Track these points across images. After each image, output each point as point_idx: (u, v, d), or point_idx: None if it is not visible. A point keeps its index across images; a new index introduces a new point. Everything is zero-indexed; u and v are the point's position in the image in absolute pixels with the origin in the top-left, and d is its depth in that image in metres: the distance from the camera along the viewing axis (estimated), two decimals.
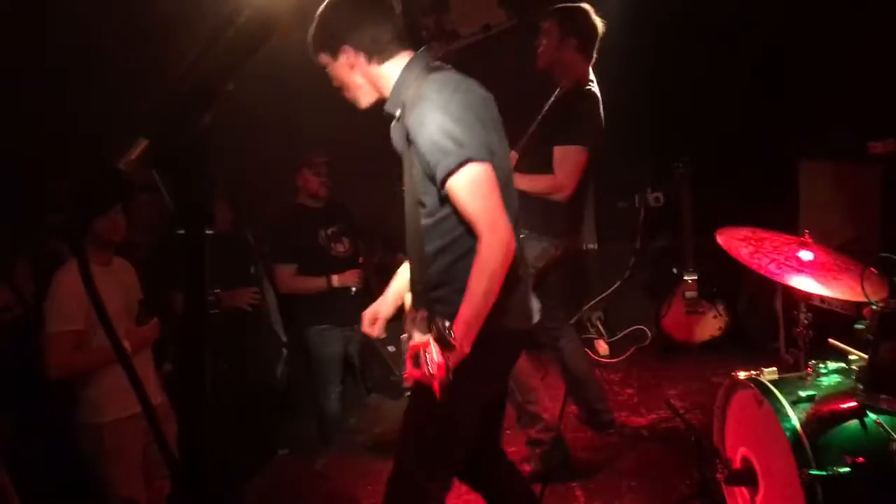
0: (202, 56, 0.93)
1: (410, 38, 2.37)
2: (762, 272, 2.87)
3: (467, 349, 2.04)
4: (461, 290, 2.08)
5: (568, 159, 3.67)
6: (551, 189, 3.67)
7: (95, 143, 4.49)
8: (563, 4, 4.09)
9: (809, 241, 2.92)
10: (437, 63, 2.33)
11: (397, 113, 2.30)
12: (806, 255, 2.85)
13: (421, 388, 2.07)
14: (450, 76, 2.23)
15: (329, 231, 4.57)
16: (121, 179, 0.90)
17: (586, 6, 3.88)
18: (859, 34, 4.42)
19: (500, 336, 2.18)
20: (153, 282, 3.62)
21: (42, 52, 4.45)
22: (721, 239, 3.02)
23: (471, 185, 2.08)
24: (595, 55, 3.85)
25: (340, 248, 4.59)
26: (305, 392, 4.67)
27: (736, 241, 3.00)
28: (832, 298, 4.00)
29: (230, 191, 4.59)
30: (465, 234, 2.16)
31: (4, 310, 3.57)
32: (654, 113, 5.69)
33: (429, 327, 2.00)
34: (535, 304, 2.43)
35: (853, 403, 2.51)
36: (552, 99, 3.86)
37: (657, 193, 5.96)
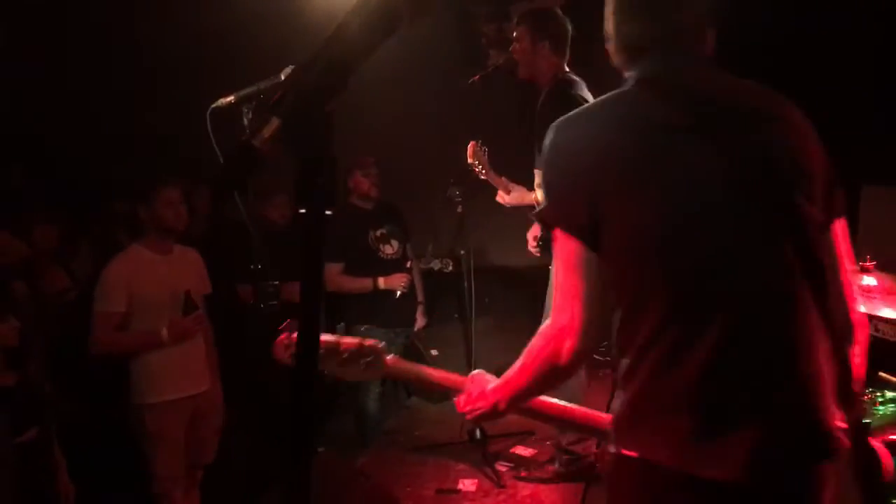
0: (332, 42, 0.97)
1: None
2: None
3: (499, 407, 1.80)
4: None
5: None
6: None
7: (156, 133, 4.65)
8: (531, 9, 4.12)
9: (871, 266, 2.87)
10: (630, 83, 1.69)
11: None
12: (868, 280, 2.80)
13: None
14: (599, 102, 1.71)
15: (378, 232, 4.60)
16: (255, 155, 0.93)
17: (554, 9, 3.93)
18: None
19: (639, 464, 1.55)
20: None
21: (111, 45, 4.58)
22: None
23: (554, 253, 1.62)
24: (569, 53, 3.84)
25: (389, 249, 4.61)
26: (346, 391, 4.70)
27: None
28: (885, 326, 3.92)
29: (290, 186, 4.66)
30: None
31: (63, 292, 3.68)
32: None
33: None
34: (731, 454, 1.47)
35: None
36: (539, 103, 3.86)
37: None
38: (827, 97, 5.05)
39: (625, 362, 1.57)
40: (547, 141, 1.64)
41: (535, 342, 1.67)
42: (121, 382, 3.32)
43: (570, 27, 3.86)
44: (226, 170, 0.95)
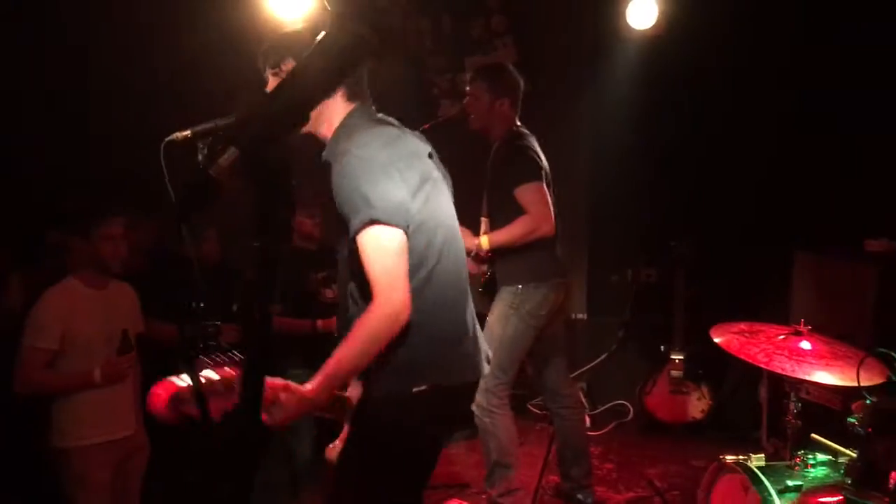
0: (299, 73, 0.96)
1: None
2: (753, 362, 2.87)
3: (316, 397, 2.07)
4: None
5: (530, 196, 3.71)
6: (530, 228, 3.71)
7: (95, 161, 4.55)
8: (487, 65, 4.19)
9: (804, 330, 2.93)
10: (380, 116, 2.31)
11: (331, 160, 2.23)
12: (803, 344, 2.86)
13: (347, 455, 2.19)
14: (382, 131, 2.19)
15: (320, 275, 4.54)
16: (212, 185, 0.91)
17: (506, 63, 4.05)
18: (865, 135, 4.53)
19: (434, 393, 2.13)
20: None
21: (43, 71, 4.51)
22: (715, 333, 3.03)
23: (373, 246, 2.04)
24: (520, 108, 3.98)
25: (330, 293, 4.55)
26: (278, 437, 4.58)
27: (730, 334, 3.01)
28: (818, 391, 4.02)
29: (220, 224, 4.59)
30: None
31: None
32: (655, 191, 5.76)
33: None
34: (477, 360, 2.31)
35: (840, 498, 2.48)
36: (492, 154, 3.95)
37: (650, 270, 6.00)
38: (775, 173, 5.28)
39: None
40: (373, 164, 2.10)
41: (373, 327, 2.05)
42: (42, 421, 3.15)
43: (522, 82, 3.95)
44: (181, 200, 0.93)
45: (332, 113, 2.24)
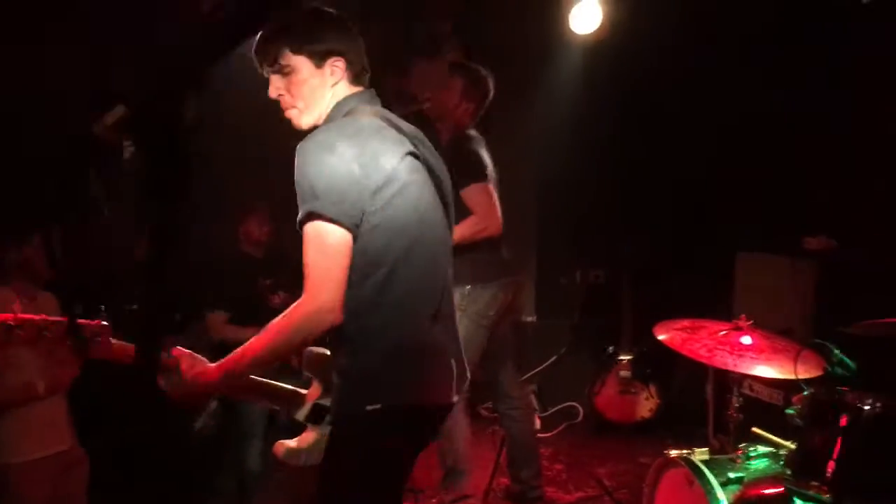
0: (192, 34, 0.94)
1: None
2: (695, 357, 2.91)
3: (217, 379, 2.02)
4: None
5: (476, 197, 3.73)
6: (478, 228, 3.71)
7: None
8: (469, 64, 4.22)
9: (745, 325, 2.98)
10: (376, 108, 2.19)
11: None
12: (744, 339, 2.91)
13: (321, 468, 2.10)
14: (359, 122, 2.08)
15: (267, 281, 4.49)
16: (95, 142, 0.88)
17: (488, 72, 4.05)
18: (802, 136, 4.64)
19: (390, 412, 1.99)
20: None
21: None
22: (659, 331, 3.07)
23: (311, 240, 1.95)
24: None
25: (277, 300, 4.50)
26: (227, 445, 4.51)
27: (673, 331, 3.05)
28: (760, 386, 4.10)
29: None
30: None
31: None
32: (602, 194, 5.83)
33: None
34: (447, 381, 2.16)
35: (780, 489, 2.53)
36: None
37: (598, 272, 6.06)
38: (716, 174, 5.37)
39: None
40: (330, 155, 2.00)
41: (293, 324, 1.95)
42: None
43: (491, 95, 3.96)
44: (67, 158, 0.90)
45: (332, 97, 2.16)
